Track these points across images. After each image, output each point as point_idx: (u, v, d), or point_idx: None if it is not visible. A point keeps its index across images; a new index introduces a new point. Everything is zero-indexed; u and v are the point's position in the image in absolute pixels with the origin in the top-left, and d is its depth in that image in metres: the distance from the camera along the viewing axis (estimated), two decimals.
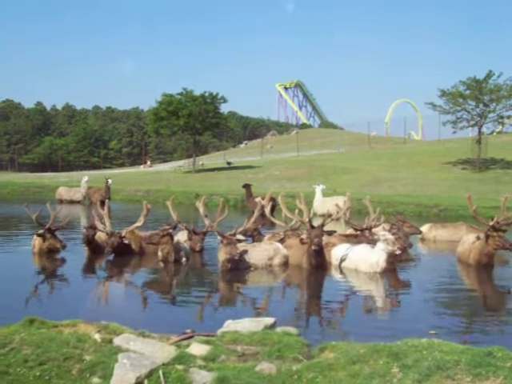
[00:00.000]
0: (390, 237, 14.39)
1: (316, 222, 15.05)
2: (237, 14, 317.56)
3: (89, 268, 15.56)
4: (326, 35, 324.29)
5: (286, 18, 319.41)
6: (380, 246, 14.16)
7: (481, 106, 43.84)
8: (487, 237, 14.49)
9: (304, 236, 14.55)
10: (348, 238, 16.34)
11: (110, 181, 35.42)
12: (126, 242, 15.98)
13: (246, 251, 14.63)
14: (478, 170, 42.64)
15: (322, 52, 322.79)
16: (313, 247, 14.17)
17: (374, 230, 16.59)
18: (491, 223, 14.42)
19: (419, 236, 19.40)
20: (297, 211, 16.15)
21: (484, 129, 46.45)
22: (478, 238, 14.84)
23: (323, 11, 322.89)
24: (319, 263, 14.50)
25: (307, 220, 14.78)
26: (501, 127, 57.18)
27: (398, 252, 14.24)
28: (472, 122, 44.74)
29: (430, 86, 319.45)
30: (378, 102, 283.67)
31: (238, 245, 14.35)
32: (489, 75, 43.20)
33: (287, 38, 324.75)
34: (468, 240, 15.76)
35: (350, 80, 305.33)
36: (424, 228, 20.02)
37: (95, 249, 16.36)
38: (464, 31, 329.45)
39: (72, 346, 7.09)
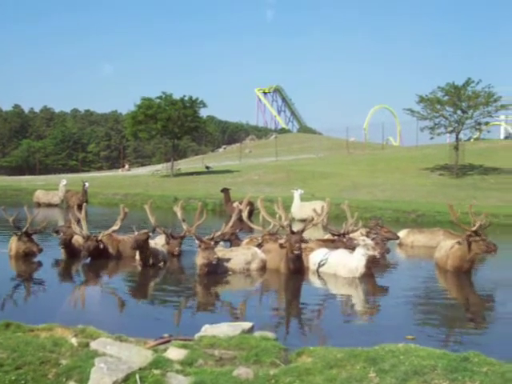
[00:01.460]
0: (369, 242, 14.46)
1: (294, 227, 15.06)
2: (216, 18, 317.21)
3: (65, 272, 15.50)
4: (306, 40, 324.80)
5: (266, 23, 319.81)
6: (360, 251, 14.20)
7: (459, 112, 44.11)
8: (470, 242, 14.56)
9: (283, 241, 14.57)
10: (326, 243, 16.34)
11: (86, 184, 35.18)
12: (102, 245, 15.93)
13: (223, 256, 14.62)
14: (455, 175, 42.91)
15: (301, 57, 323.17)
16: (295, 252, 14.20)
17: (352, 235, 16.61)
18: (474, 228, 14.49)
19: (397, 241, 19.45)
20: (277, 216, 16.18)
21: (461, 135, 46.83)
22: (460, 244, 14.92)
23: (303, 16, 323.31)
24: (297, 268, 14.53)
25: (287, 225, 14.81)
26: (478, 134, 57.64)
27: (378, 256, 14.34)
28: (450, 129, 45.02)
29: (408, 92, 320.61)
30: (356, 107, 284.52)
31: (216, 249, 14.33)
32: (468, 82, 43.50)
33: (266, 42, 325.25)
34: (445, 246, 15.85)
35: (329, 85, 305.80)
36: (401, 233, 20.09)
37: (72, 252, 16.28)
38: (443, 38, 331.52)
39: (48, 350, 7.04)
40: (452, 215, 15.26)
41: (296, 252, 14.17)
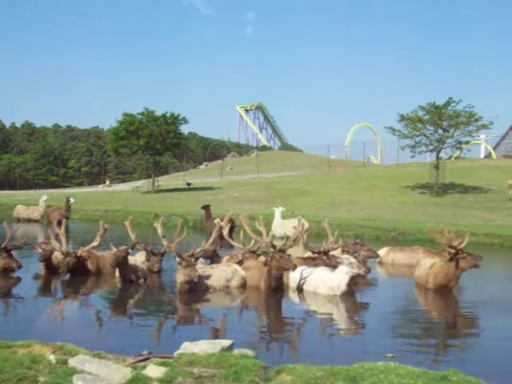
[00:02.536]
0: (353, 260, 14.54)
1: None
2: (197, 34, 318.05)
3: (44, 288, 15.40)
4: (287, 57, 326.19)
5: (246, 39, 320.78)
6: (343, 269, 14.22)
7: (439, 131, 44.39)
8: (457, 260, 14.66)
9: (274, 257, 14.49)
10: (306, 261, 16.34)
11: (71, 200, 34.91)
12: (82, 261, 15.85)
13: (203, 273, 14.58)
14: (436, 194, 43.10)
15: (282, 74, 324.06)
16: (286, 269, 14.31)
17: (332, 252, 16.62)
18: (461, 246, 14.63)
19: (377, 259, 19.48)
20: (265, 233, 16.21)
21: (442, 154, 47.01)
22: (444, 261, 15.09)
23: (283, 32, 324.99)
24: (278, 285, 14.53)
25: (270, 242, 14.84)
26: (458, 152, 57.99)
27: (364, 274, 14.45)
28: (431, 147, 45.25)
29: (390, 110, 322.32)
30: (338, 125, 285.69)
31: (196, 266, 14.29)
32: (448, 102, 43.79)
33: (248, 59, 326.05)
34: (425, 264, 15.91)
35: (311, 103, 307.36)
36: (382, 251, 20.12)
37: (52, 268, 16.18)
38: (424, 58, 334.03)
39: (26, 366, 6.99)
40: (440, 236, 15.36)
41: (293, 270, 14.31)
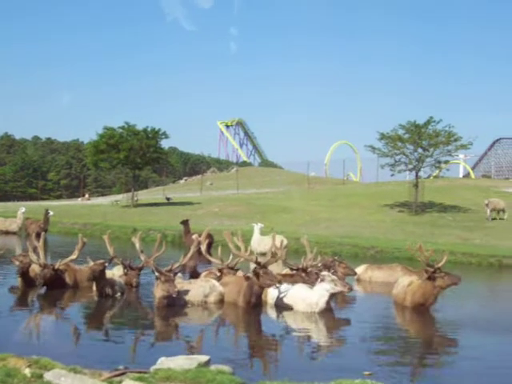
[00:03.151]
0: (335, 277, 14.56)
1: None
2: (179, 49, 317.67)
3: (21, 301, 15.28)
4: (268, 73, 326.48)
5: (229, 55, 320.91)
6: (325, 286, 14.24)
7: (419, 150, 44.55)
8: (435, 278, 14.74)
9: (258, 272, 14.44)
10: (284, 278, 16.33)
11: (50, 212, 34.73)
12: (59, 274, 15.77)
13: (181, 288, 14.54)
14: (414, 212, 43.21)
15: (263, 90, 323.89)
16: (267, 285, 14.35)
17: (311, 269, 16.63)
18: (439, 265, 14.72)
19: (355, 277, 19.51)
20: (243, 249, 16.23)
21: (421, 173, 47.13)
22: (421, 280, 15.17)
23: (266, 48, 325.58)
24: (256, 302, 14.52)
25: (256, 258, 14.86)
26: (438, 171, 58.28)
27: (347, 292, 14.53)
28: (410, 166, 45.38)
29: (369, 129, 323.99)
30: (318, 143, 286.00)
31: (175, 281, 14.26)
32: (429, 121, 43.99)
33: (229, 74, 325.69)
34: (402, 282, 15.97)
35: (291, 120, 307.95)
36: (360, 269, 20.16)
37: (29, 281, 16.08)
38: (406, 76, 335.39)
39: (1, 380, 6.93)
40: (419, 255, 15.42)
41: (274, 284, 14.37)
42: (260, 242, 27.71)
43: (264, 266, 14.41)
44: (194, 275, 17.01)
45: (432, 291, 14.89)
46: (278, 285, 14.62)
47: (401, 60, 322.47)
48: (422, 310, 14.98)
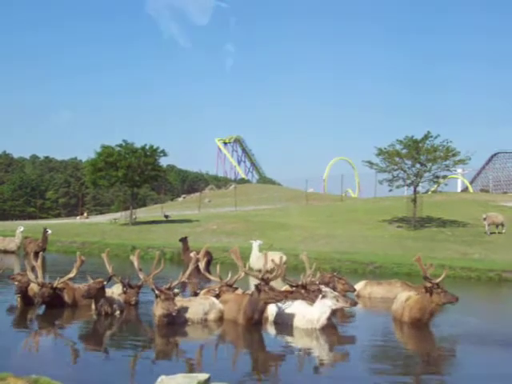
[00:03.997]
0: (336, 293, 14.58)
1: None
2: (176, 66, 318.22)
3: (20, 320, 15.26)
4: (266, 90, 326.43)
5: (226, 72, 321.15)
6: (327, 302, 14.22)
7: (417, 165, 44.56)
8: (431, 294, 14.71)
9: (263, 289, 14.41)
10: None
11: (49, 231, 34.70)
12: (58, 292, 15.76)
13: (181, 306, 14.51)
14: (413, 228, 43.19)
15: (261, 108, 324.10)
16: (272, 301, 14.36)
17: (311, 286, 16.61)
18: (437, 281, 14.68)
19: (354, 293, 19.47)
20: (241, 265, 16.21)
21: (419, 188, 47.09)
22: (419, 295, 15.16)
23: (262, 65, 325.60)
24: (257, 319, 14.49)
25: (262, 276, 14.83)
26: (436, 186, 58.28)
27: (348, 308, 14.56)
28: (408, 181, 45.38)
29: (367, 144, 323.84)
30: (316, 159, 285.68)
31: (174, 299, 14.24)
32: (426, 136, 44.02)
33: (227, 91, 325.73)
34: (401, 297, 15.95)
35: (289, 136, 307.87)
36: (359, 285, 20.14)
37: (27, 300, 16.06)
38: (403, 91, 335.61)
39: None
40: (421, 269, 15.39)
41: (281, 300, 14.40)
42: (259, 259, 27.68)
43: (267, 283, 14.41)
44: (193, 293, 17.03)
45: (428, 306, 14.85)
46: (283, 301, 14.66)
47: (398, 74, 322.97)
48: (420, 325, 14.92)
